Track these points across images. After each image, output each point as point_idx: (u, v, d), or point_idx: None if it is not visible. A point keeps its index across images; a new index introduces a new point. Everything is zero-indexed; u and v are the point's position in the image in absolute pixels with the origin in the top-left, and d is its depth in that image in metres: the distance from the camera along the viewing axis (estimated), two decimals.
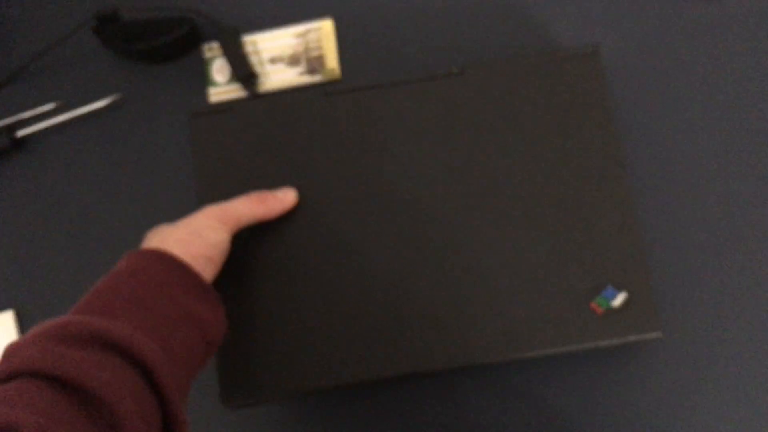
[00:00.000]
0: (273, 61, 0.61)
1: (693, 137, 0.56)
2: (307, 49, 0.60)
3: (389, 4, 0.61)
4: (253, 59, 0.61)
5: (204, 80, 0.62)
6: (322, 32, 0.61)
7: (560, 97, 0.51)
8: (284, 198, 0.50)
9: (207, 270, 0.45)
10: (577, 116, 0.51)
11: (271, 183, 0.52)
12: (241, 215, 0.47)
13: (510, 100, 0.51)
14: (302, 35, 0.61)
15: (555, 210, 0.50)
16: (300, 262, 0.50)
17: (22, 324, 0.60)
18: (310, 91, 0.52)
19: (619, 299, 0.48)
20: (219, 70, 0.61)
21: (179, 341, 0.41)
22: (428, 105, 0.51)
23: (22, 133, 0.62)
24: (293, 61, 0.60)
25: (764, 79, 0.56)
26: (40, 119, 0.63)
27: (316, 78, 0.60)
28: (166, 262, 0.42)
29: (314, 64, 0.60)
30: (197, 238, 0.45)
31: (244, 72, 0.60)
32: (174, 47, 0.61)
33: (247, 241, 0.51)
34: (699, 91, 0.57)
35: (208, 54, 0.62)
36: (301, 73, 0.60)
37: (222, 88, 0.61)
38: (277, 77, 0.60)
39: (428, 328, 0.49)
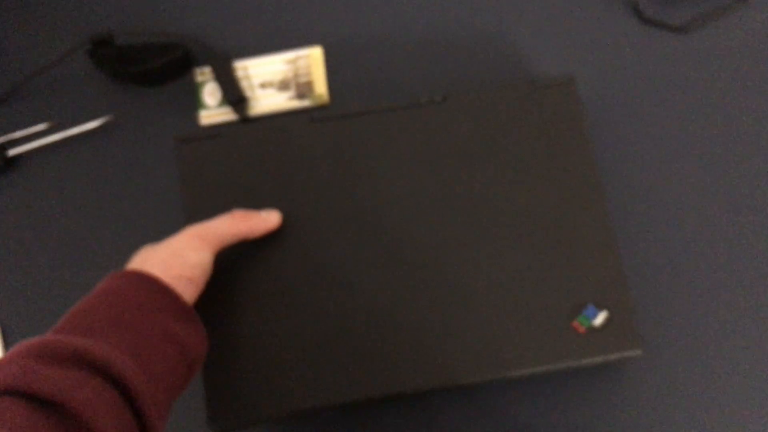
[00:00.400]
0: (263, 85, 0.63)
1: (665, 160, 0.59)
2: (296, 75, 0.62)
3: (376, 34, 0.64)
4: (244, 84, 0.63)
5: (195, 103, 0.63)
6: (312, 59, 0.63)
7: (539, 124, 0.53)
8: (268, 217, 0.50)
9: (188, 291, 0.45)
10: (555, 142, 0.53)
11: (257, 207, 0.53)
12: (223, 234, 0.47)
13: (491, 127, 0.53)
14: (292, 62, 0.63)
15: (536, 232, 0.51)
16: (286, 285, 0.51)
17: (7, 340, 0.60)
18: (296, 117, 0.54)
19: (600, 318, 0.50)
20: (210, 93, 0.63)
21: (159, 362, 0.41)
22: (412, 132, 0.53)
23: (13, 152, 0.63)
24: (283, 86, 0.62)
25: (728, 105, 0.59)
26: (32, 139, 0.64)
27: (305, 103, 0.62)
28: (147, 283, 0.43)
29: (303, 89, 0.62)
30: (178, 259, 0.45)
31: (234, 96, 0.61)
32: (166, 71, 0.63)
33: (234, 263, 0.52)
34: (669, 118, 0.60)
35: (199, 78, 0.64)
36: (291, 98, 0.62)
37: (212, 111, 0.63)
38: (266, 101, 0.62)
39: (412, 349, 0.50)
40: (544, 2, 0.64)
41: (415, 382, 0.49)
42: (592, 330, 0.50)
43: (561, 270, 0.51)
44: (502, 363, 0.49)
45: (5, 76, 0.66)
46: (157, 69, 0.62)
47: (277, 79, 0.63)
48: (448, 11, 0.64)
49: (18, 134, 0.64)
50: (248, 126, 0.54)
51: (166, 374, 0.41)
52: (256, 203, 0.53)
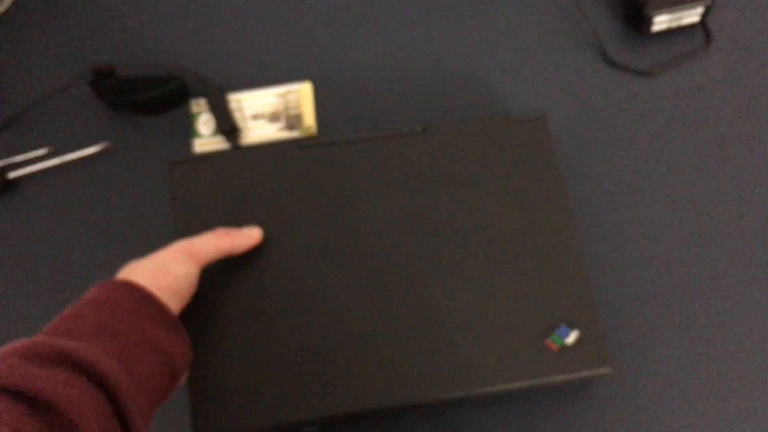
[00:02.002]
0: (255, 117, 0.66)
1: (630, 190, 0.62)
2: (286, 108, 0.66)
3: (362, 71, 0.68)
4: (237, 115, 0.66)
5: (190, 132, 0.67)
6: (302, 93, 0.67)
7: (514, 155, 0.57)
8: (250, 234, 0.53)
9: (173, 302, 0.46)
10: (529, 172, 0.56)
11: (233, 223, 0.55)
12: (207, 249, 0.49)
13: (468, 157, 0.56)
14: (283, 95, 0.67)
15: (510, 256, 0.54)
16: (270, 302, 0.53)
17: None
18: (284, 144, 0.57)
19: (572, 337, 0.52)
20: (204, 123, 0.66)
21: (143, 368, 0.42)
22: (394, 160, 0.56)
23: (13, 175, 0.65)
24: (274, 118, 0.66)
25: (689, 142, 0.63)
26: (32, 163, 0.67)
27: (294, 134, 0.65)
28: (133, 292, 0.44)
29: (293, 121, 0.66)
30: (163, 270, 0.46)
31: (227, 126, 0.65)
32: (164, 101, 0.66)
33: (221, 279, 0.54)
34: (634, 153, 0.63)
35: (195, 109, 0.67)
36: (281, 129, 0.66)
37: (206, 139, 0.66)
38: (258, 132, 0.66)
39: (391, 366, 0.51)
40: (520, 45, 0.68)
41: (392, 397, 0.50)
42: (565, 348, 0.52)
43: (534, 292, 0.53)
44: (478, 379, 0.51)
45: (10, 102, 0.70)
46: (154, 99, 0.66)
47: (268, 111, 0.66)
48: (429, 51, 0.69)
49: (19, 158, 0.67)
50: (238, 151, 0.57)
51: (150, 381, 0.42)
52: (244, 224, 0.54)
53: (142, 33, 0.72)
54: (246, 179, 0.55)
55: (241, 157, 0.56)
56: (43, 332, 0.41)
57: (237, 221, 0.54)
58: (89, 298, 0.43)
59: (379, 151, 0.56)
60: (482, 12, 0.70)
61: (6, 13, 0.75)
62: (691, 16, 0.66)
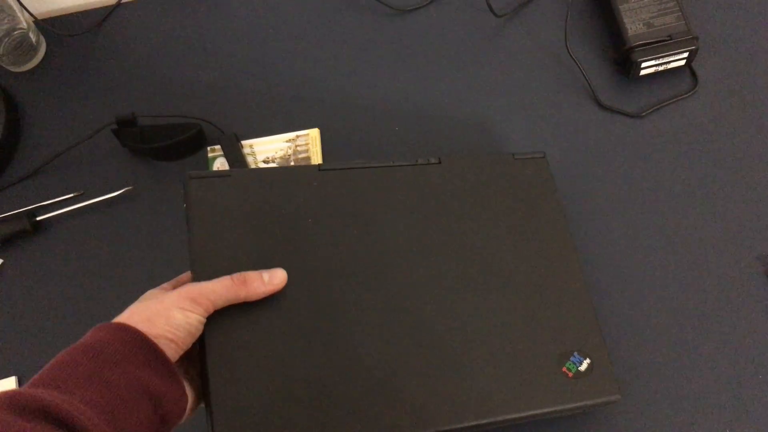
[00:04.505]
0: (266, 161, 0.71)
1: (623, 223, 0.65)
2: (295, 152, 0.71)
3: (368, 116, 0.73)
4: (249, 159, 0.71)
5: None
6: (310, 138, 0.71)
7: (519, 190, 0.60)
8: (271, 280, 0.50)
9: (168, 350, 0.45)
10: (533, 205, 0.59)
11: (262, 246, 0.52)
12: (217, 298, 0.47)
13: (479, 189, 0.58)
14: (292, 140, 0.71)
15: (521, 286, 0.55)
16: (285, 323, 0.50)
17: None
18: (305, 166, 0.57)
19: (584, 365, 0.54)
20: (220, 167, 0.71)
21: (131, 416, 0.42)
22: (410, 187, 0.57)
23: (41, 217, 0.70)
24: (283, 161, 0.70)
25: (677, 178, 0.66)
26: (60, 206, 0.71)
27: None
28: (130, 337, 0.44)
29: (301, 164, 0.70)
30: (162, 318, 0.45)
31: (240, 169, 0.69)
32: (182, 148, 0.71)
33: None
34: (625, 189, 0.67)
35: (210, 154, 0.72)
36: None
37: None
38: None
39: (410, 393, 0.50)
40: (518, 90, 0.72)
41: (413, 426, 0.49)
42: (579, 375, 0.54)
43: (545, 321, 0.55)
44: (501, 407, 0.51)
45: (40, 149, 0.75)
46: (173, 146, 0.71)
47: (278, 155, 0.71)
48: (434, 97, 0.73)
49: (47, 201, 0.72)
50: (259, 169, 0.55)
51: (136, 429, 0.42)
52: (261, 241, 0.52)
53: (162, 85, 0.77)
54: (265, 197, 0.53)
55: (261, 176, 0.54)
56: (34, 380, 0.41)
57: (253, 238, 0.52)
58: (84, 343, 0.44)
59: (397, 178, 0.57)
60: (484, 60, 0.75)
61: (37, 67, 0.81)
62: (677, 60, 0.69)
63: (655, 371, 0.60)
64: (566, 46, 0.72)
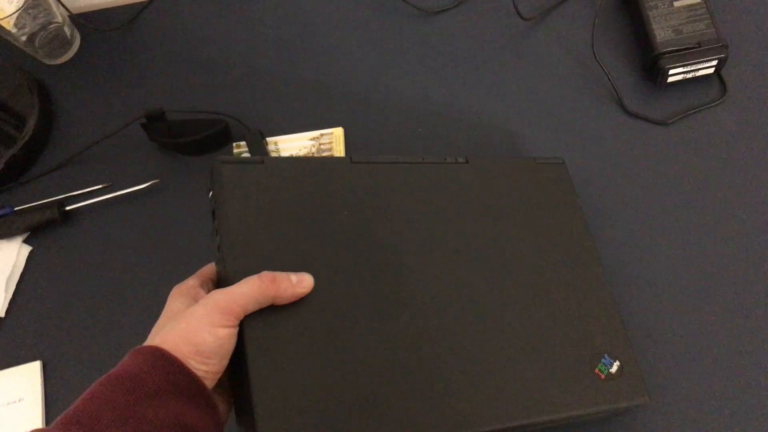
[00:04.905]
0: None
1: (646, 231, 0.65)
2: (319, 150, 0.71)
3: (392, 117, 0.73)
4: (273, 156, 0.72)
5: None
6: (334, 137, 0.72)
7: (542, 194, 0.60)
8: (300, 283, 0.47)
9: (202, 370, 0.43)
10: (556, 210, 0.59)
11: (297, 238, 0.50)
12: (248, 301, 0.45)
13: (505, 191, 0.59)
14: (316, 139, 0.72)
15: (548, 289, 0.55)
16: (315, 317, 0.48)
17: (47, 376, 0.67)
18: (337, 157, 0.56)
19: (615, 366, 0.54)
20: None
21: None
22: (439, 184, 0.56)
23: (70, 207, 0.72)
24: None
25: (700, 187, 0.66)
26: (88, 197, 0.73)
27: None
28: (167, 365, 0.42)
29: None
30: (195, 336, 0.43)
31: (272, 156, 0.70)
32: (208, 143, 0.72)
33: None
34: (649, 196, 0.66)
35: (236, 150, 0.73)
36: None
37: None
38: None
39: (451, 394, 0.49)
40: (544, 94, 0.72)
41: (460, 425, 0.49)
42: (611, 377, 0.54)
43: (573, 323, 0.55)
44: (541, 407, 0.51)
45: (71, 141, 0.77)
46: (200, 141, 0.72)
47: (302, 153, 0.72)
48: (458, 100, 0.73)
49: (76, 192, 0.73)
50: (292, 158, 0.54)
51: None
52: (294, 233, 0.50)
53: (190, 80, 0.79)
54: (298, 187, 0.51)
55: (294, 165, 0.52)
56: (63, 417, 0.40)
57: (287, 230, 0.50)
58: (120, 374, 0.42)
59: (426, 175, 0.56)
60: (510, 63, 0.75)
61: (71, 60, 0.83)
62: (706, 68, 0.69)
63: (679, 374, 0.59)
64: (593, 50, 0.72)
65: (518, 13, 0.74)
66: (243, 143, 0.73)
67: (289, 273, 0.47)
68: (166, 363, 0.42)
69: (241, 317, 0.45)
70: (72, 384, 0.66)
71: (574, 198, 0.61)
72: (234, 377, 0.47)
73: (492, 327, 0.52)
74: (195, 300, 0.47)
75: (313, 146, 0.72)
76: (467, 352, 0.51)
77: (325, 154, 0.71)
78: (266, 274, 0.46)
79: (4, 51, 0.83)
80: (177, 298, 0.48)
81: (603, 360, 0.54)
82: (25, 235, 0.73)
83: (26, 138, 0.76)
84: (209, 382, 0.44)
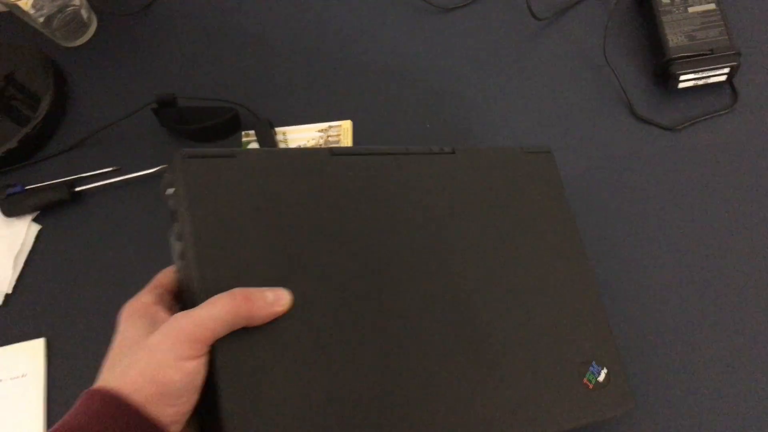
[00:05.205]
0: None
1: (649, 236, 0.64)
2: (327, 141, 0.72)
3: (401, 114, 0.73)
4: (282, 146, 0.72)
5: None
6: (342, 129, 0.72)
7: (529, 186, 0.57)
8: (277, 301, 0.41)
9: (168, 413, 0.37)
10: (544, 204, 0.57)
11: (274, 243, 0.44)
12: (217, 325, 0.38)
13: (492, 183, 0.55)
14: (324, 131, 0.73)
15: (536, 292, 0.53)
16: (303, 331, 0.43)
17: (51, 353, 0.68)
18: (318, 149, 0.50)
19: (602, 375, 0.53)
20: None
21: None
22: (424, 175, 0.53)
23: (80, 188, 0.73)
24: None
25: (707, 195, 0.65)
26: (98, 178, 0.74)
27: None
28: (120, 414, 0.36)
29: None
30: (158, 374, 0.37)
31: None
32: (217, 130, 0.73)
33: None
34: (654, 201, 0.66)
35: (245, 139, 0.74)
36: None
37: None
38: None
39: (440, 409, 0.46)
40: (551, 94, 0.72)
41: None
42: (598, 386, 0.52)
43: (561, 328, 0.52)
44: (528, 422, 0.48)
45: (83, 123, 0.78)
46: (209, 128, 0.73)
47: (310, 144, 0.72)
48: (466, 97, 0.73)
49: (86, 173, 0.74)
50: (267, 151, 0.48)
51: None
52: (271, 237, 0.44)
53: (203, 68, 0.79)
54: (275, 184, 0.46)
55: (270, 158, 0.47)
56: None
57: (264, 233, 0.44)
58: (69, 426, 0.36)
59: (411, 166, 0.52)
60: (521, 63, 0.75)
61: (87, 43, 0.84)
62: (718, 75, 0.68)
63: (664, 379, 0.59)
64: (605, 53, 0.72)
65: (531, 13, 0.74)
66: (252, 132, 0.74)
67: (264, 289, 0.41)
68: (124, 413, 0.36)
69: (211, 343, 0.38)
70: (74, 362, 0.67)
71: (561, 189, 0.58)
72: (202, 410, 0.40)
73: (478, 336, 0.49)
74: (154, 321, 0.40)
75: (321, 138, 0.72)
76: (455, 366, 0.47)
77: (332, 146, 0.72)
78: (239, 292, 0.39)
79: (21, 32, 0.84)
80: (132, 321, 0.41)
81: (591, 368, 0.52)
82: (34, 214, 0.74)
83: (40, 118, 0.77)
84: (178, 426, 0.38)
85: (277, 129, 0.73)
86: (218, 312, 0.38)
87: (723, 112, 0.69)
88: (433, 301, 0.49)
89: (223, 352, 0.39)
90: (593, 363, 0.53)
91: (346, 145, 0.71)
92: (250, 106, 0.75)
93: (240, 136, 0.74)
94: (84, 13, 0.83)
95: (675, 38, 0.68)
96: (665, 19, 0.69)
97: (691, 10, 0.69)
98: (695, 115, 0.69)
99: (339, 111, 0.74)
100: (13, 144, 0.76)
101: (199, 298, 0.40)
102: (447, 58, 0.76)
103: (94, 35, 0.85)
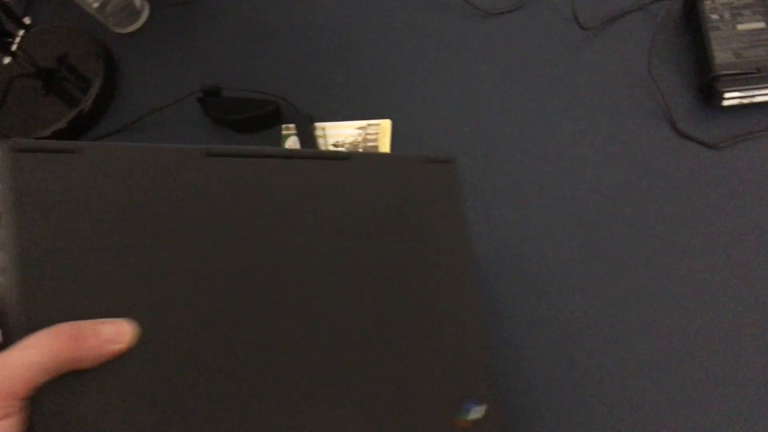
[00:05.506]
0: (335, 145, 0.73)
1: (686, 253, 0.64)
2: (365, 140, 0.73)
3: (440, 117, 0.74)
4: (320, 141, 0.74)
5: None
6: (381, 128, 0.73)
7: (425, 196, 0.52)
8: (116, 336, 0.33)
9: None
10: (439, 218, 0.52)
11: (110, 257, 0.35)
12: (36, 374, 0.30)
13: (385, 191, 0.50)
14: (363, 128, 0.74)
15: (415, 318, 0.48)
16: (143, 373, 0.35)
17: None
18: (191, 147, 0.41)
19: (480, 412, 0.49)
20: (290, 145, 0.74)
21: None
22: (312, 183, 0.46)
23: None
24: (352, 147, 0.73)
25: (745, 214, 0.65)
26: None
27: None
28: None
29: (369, 151, 0.72)
30: None
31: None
32: (258, 122, 0.75)
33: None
34: (689, 216, 0.65)
35: (284, 132, 0.75)
36: None
37: None
38: None
39: None
40: (592, 104, 0.72)
41: None
42: (475, 425, 0.48)
43: (439, 361, 0.48)
44: None
45: (131, 109, 0.80)
46: (251, 119, 0.74)
47: (348, 141, 0.73)
48: (504, 103, 0.74)
49: None
50: (123, 147, 0.38)
51: None
52: (111, 251, 0.35)
53: (248, 60, 0.81)
54: (126, 188, 0.37)
55: (125, 157, 0.37)
56: None
57: (103, 247, 0.35)
58: None
59: (298, 172, 0.45)
60: (562, 72, 0.75)
61: (138, 30, 0.87)
62: (764, 95, 0.67)
63: (542, 416, 0.59)
64: (649, 66, 0.71)
65: (577, 22, 0.74)
66: (292, 126, 0.75)
67: (100, 322, 0.32)
68: None
69: (28, 396, 0.30)
70: None
71: (459, 202, 0.53)
72: None
73: (346, 372, 0.43)
74: None
75: (360, 135, 0.73)
76: (317, 407, 0.42)
77: (370, 144, 0.72)
78: (66, 330, 0.31)
79: (76, 16, 0.87)
80: None
81: (467, 405, 0.48)
82: None
83: (89, 100, 0.79)
84: None
85: (317, 124, 0.75)
86: (36, 356, 0.29)
87: (766, 132, 0.68)
88: (299, 334, 0.42)
89: (43, 406, 0.31)
90: (470, 399, 0.49)
91: (384, 144, 0.72)
92: (291, 99, 0.76)
93: (280, 129, 0.76)
94: (137, 0, 0.85)
95: (722, 55, 0.68)
96: (713, 35, 0.69)
97: (740, 27, 0.68)
98: (738, 133, 0.68)
99: (379, 110, 0.75)
100: (62, 125, 0.78)
101: (19, 331, 0.31)
102: (489, 63, 0.76)
103: (145, 23, 0.87)
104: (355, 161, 0.49)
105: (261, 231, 0.42)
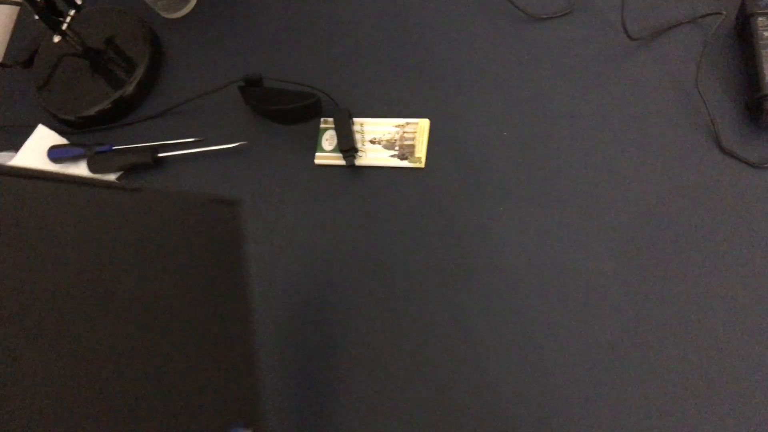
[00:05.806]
0: (373, 141, 0.73)
1: (724, 272, 0.63)
2: (402, 138, 0.73)
3: (479, 120, 0.74)
4: (357, 137, 0.74)
5: (314, 145, 0.75)
6: (419, 127, 0.73)
7: (204, 237, 0.53)
8: None
9: None
10: (219, 259, 0.53)
11: None
12: None
13: (168, 229, 0.50)
14: (401, 126, 0.73)
15: (185, 348, 0.48)
16: None
17: None
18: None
19: None
20: (328, 139, 0.74)
21: None
22: (93, 212, 0.44)
23: (162, 154, 0.76)
24: (389, 145, 0.73)
25: None
26: (180, 147, 0.77)
27: (404, 163, 0.72)
28: None
29: (405, 151, 0.72)
30: None
31: (347, 145, 0.72)
32: (298, 114, 0.75)
33: None
34: (729, 236, 0.64)
35: (323, 125, 0.75)
36: (392, 156, 0.72)
37: (326, 154, 0.74)
38: (372, 155, 0.73)
39: None
40: (636, 115, 0.71)
41: None
42: None
43: (207, 389, 0.48)
44: None
45: (174, 93, 0.81)
46: (290, 111, 0.75)
47: (385, 138, 0.73)
48: (546, 110, 0.73)
49: (170, 141, 0.78)
50: None
51: None
52: None
53: (292, 52, 0.82)
54: None
55: None
56: None
57: None
58: None
59: (81, 200, 0.43)
60: (608, 81, 0.73)
61: (186, 16, 0.88)
62: None
63: None
64: (696, 80, 0.70)
65: (626, 31, 0.73)
66: (331, 119, 0.75)
67: None
68: None
69: None
70: None
71: (239, 245, 0.54)
72: None
73: (117, 405, 0.41)
74: None
75: (397, 133, 0.73)
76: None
77: (407, 143, 0.72)
78: None
79: None
80: None
81: (232, 430, 0.49)
82: (118, 173, 0.78)
83: (134, 83, 0.81)
84: None
85: (355, 119, 0.75)
86: None
87: None
88: (68, 359, 0.39)
89: None
90: (235, 425, 0.49)
91: (420, 143, 0.72)
92: (331, 93, 0.77)
93: (319, 122, 0.76)
94: None
95: None
96: (765, 52, 0.67)
97: None
98: None
99: (418, 109, 0.75)
100: (106, 105, 0.80)
101: None
102: (533, 68, 0.76)
103: (193, 9, 0.88)
104: (145, 195, 0.48)
105: (34, 256, 0.38)
